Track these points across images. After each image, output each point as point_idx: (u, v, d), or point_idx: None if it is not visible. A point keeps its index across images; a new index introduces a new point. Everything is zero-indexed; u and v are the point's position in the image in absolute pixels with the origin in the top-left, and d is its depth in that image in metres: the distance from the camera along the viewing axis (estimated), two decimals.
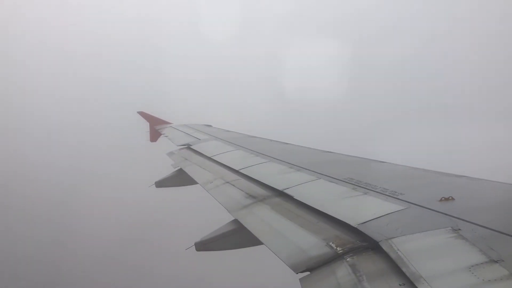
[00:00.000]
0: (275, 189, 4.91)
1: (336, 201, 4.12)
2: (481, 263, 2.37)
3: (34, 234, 22.26)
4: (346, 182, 4.64)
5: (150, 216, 22.40)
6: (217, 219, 4.96)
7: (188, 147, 9.42)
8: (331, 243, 3.20)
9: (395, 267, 2.57)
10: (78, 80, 30.98)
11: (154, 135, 14.75)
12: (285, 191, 4.70)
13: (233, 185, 5.58)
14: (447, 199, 3.57)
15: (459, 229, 2.87)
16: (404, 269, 2.48)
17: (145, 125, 15.59)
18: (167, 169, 8.54)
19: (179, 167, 8.04)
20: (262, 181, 5.35)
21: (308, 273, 2.94)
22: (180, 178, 7.90)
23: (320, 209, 3.90)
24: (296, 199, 4.37)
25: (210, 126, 13.13)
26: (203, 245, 4.73)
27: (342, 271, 2.76)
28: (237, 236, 4.53)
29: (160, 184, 8.29)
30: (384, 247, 2.82)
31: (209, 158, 7.66)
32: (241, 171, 6.10)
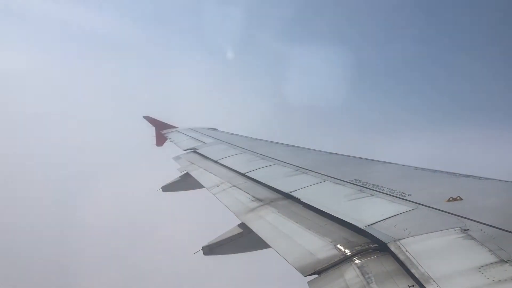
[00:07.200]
0: (281, 192, 4.90)
1: (343, 203, 4.11)
2: (491, 263, 2.35)
3: (40, 235, 22.43)
4: (353, 183, 4.62)
5: (157, 221, 22.44)
6: (224, 223, 4.96)
7: (194, 151, 9.44)
8: (339, 246, 3.19)
9: (404, 269, 2.56)
10: (84, 86, 31.20)
11: (160, 140, 14.82)
12: (292, 193, 4.70)
13: (240, 189, 5.58)
14: (455, 199, 3.54)
15: (468, 229, 2.85)
16: (413, 270, 2.47)
17: (151, 130, 15.66)
18: (173, 174, 8.56)
19: (185, 171, 8.05)
20: (268, 184, 5.35)
21: (316, 276, 2.94)
22: (186, 182, 7.91)
23: (327, 211, 3.89)
24: (303, 202, 4.37)
25: (215, 129, 13.17)
26: (210, 249, 4.74)
27: (351, 273, 2.75)
28: (244, 240, 4.54)
29: (167, 188, 8.31)
30: (393, 249, 2.80)
31: (215, 162, 7.68)
32: (247, 174, 6.11)
